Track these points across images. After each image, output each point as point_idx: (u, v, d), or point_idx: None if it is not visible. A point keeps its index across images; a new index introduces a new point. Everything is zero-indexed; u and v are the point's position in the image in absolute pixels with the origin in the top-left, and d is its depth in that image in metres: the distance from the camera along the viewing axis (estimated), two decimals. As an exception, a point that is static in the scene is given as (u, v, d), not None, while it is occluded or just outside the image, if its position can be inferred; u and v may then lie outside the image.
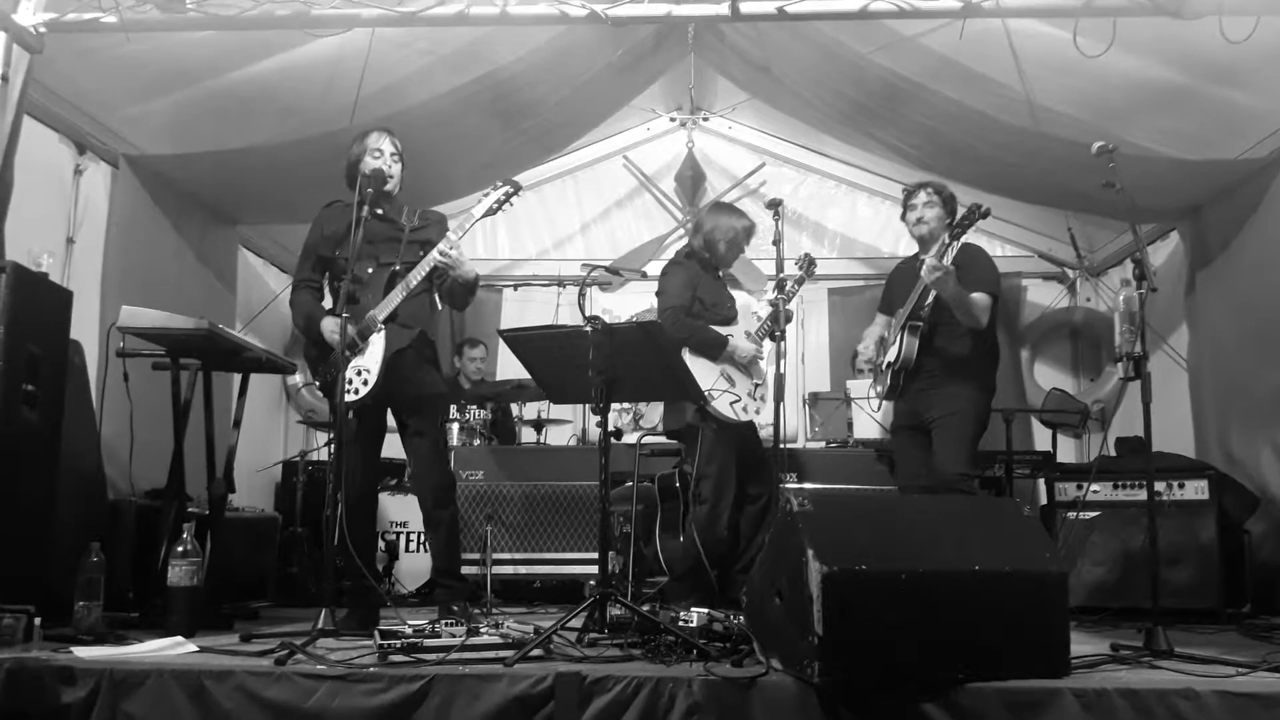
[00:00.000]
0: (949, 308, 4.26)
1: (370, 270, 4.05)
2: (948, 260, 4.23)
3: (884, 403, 4.64)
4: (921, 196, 4.51)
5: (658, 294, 4.82)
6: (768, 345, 4.82)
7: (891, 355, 4.44)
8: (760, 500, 4.72)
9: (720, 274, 4.90)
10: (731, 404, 4.58)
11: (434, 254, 3.96)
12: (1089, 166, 3.74)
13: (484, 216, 4.10)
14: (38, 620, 3.21)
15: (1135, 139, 5.00)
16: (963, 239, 4.34)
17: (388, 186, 4.11)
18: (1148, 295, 3.47)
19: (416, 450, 4.11)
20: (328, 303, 4.21)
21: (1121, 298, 3.52)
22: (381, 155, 4.10)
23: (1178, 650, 3.15)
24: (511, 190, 4.09)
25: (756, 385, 4.76)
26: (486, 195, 4.10)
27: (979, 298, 4.28)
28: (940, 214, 4.47)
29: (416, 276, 3.97)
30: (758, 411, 4.72)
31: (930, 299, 4.31)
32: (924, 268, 4.14)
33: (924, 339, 4.35)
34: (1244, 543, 4.71)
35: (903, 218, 4.63)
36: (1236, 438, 5.23)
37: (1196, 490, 4.69)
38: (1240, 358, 5.26)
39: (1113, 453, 5.22)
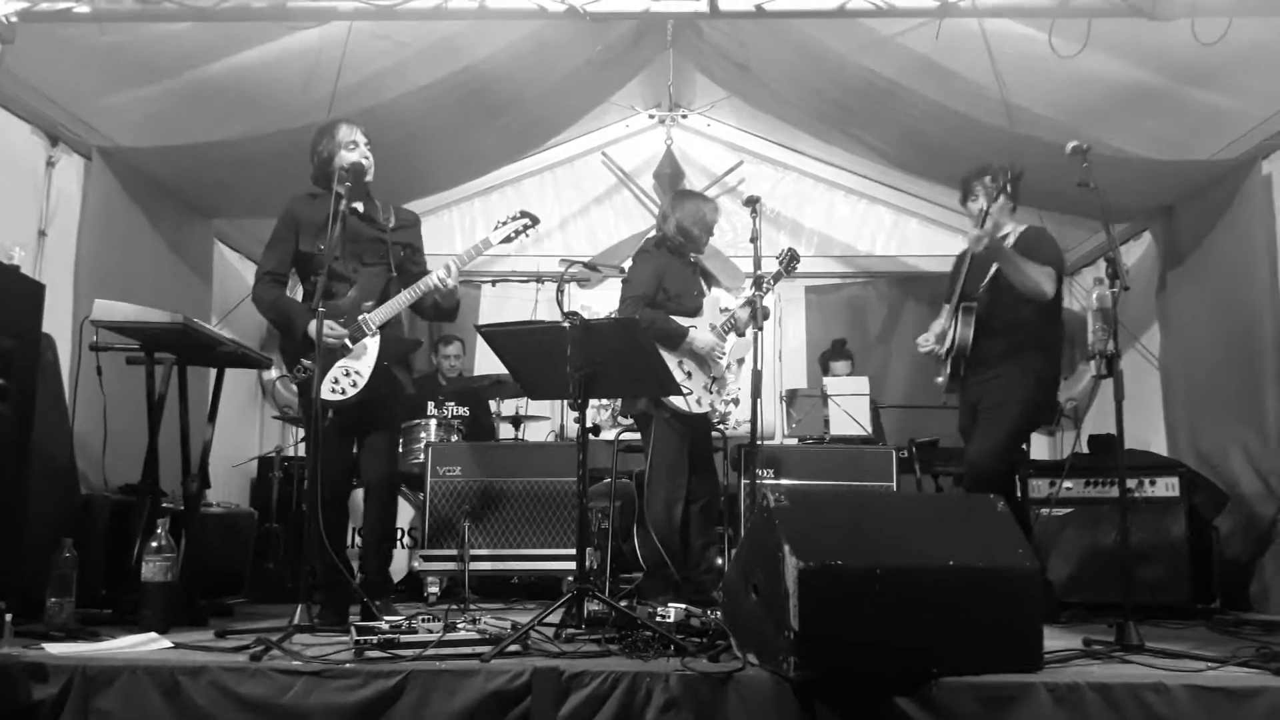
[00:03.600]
0: (1006, 290, 4.17)
1: (354, 269, 4.02)
2: (1010, 240, 4.16)
3: (947, 395, 4.49)
4: (980, 187, 4.37)
5: (623, 282, 4.83)
6: (732, 339, 4.83)
7: (948, 341, 4.34)
8: (701, 500, 4.73)
9: (693, 259, 4.89)
10: (685, 395, 4.58)
11: (433, 279, 3.95)
12: (1063, 166, 3.77)
13: (500, 244, 4.09)
14: (9, 616, 3.18)
15: (1109, 139, 5.06)
16: (1013, 210, 4.32)
17: (368, 178, 4.08)
18: (1120, 294, 3.50)
19: (371, 445, 4.10)
20: (297, 296, 4.18)
21: (1094, 296, 3.54)
22: (357, 147, 4.04)
23: (1148, 645, 3.18)
24: (529, 223, 4.09)
25: (714, 379, 4.75)
26: (504, 224, 4.09)
27: (1038, 265, 4.15)
28: (1003, 202, 4.33)
29: (416, 294, 3.97)
30: (712, 405, 4.72)
31: (987, 278, 4.22)
32: (969, 238, 4.05)
33: (980, 322, 4.23)
34: (1213, 539, 4.77)
35: (963, 204, 4.50)
36: (1207, 436, 5.30)
37: (1167, 487, 4.75)
38: (1211, 357, 5.32)
39: (1085, 450, 5.27)
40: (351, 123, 4.13)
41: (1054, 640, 3.16)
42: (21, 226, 4.64)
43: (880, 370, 7.52)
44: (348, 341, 3.91)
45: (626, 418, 4.96)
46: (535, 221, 4.11)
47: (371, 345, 3.95)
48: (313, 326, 3.90)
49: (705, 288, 4.90)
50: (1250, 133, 5.00)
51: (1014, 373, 4.19)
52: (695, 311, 4.76)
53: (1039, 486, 5.04)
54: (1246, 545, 4.90)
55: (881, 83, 5.22)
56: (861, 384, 6.05)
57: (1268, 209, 4.96)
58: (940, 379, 4.46)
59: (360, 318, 3.94)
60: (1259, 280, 4.94)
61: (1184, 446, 5.44)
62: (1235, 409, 5.06)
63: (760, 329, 4.39)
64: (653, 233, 6.97)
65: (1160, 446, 5.61)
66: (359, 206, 4.08)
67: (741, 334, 4.77)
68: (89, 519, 4.18)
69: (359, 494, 4.41)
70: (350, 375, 3.91)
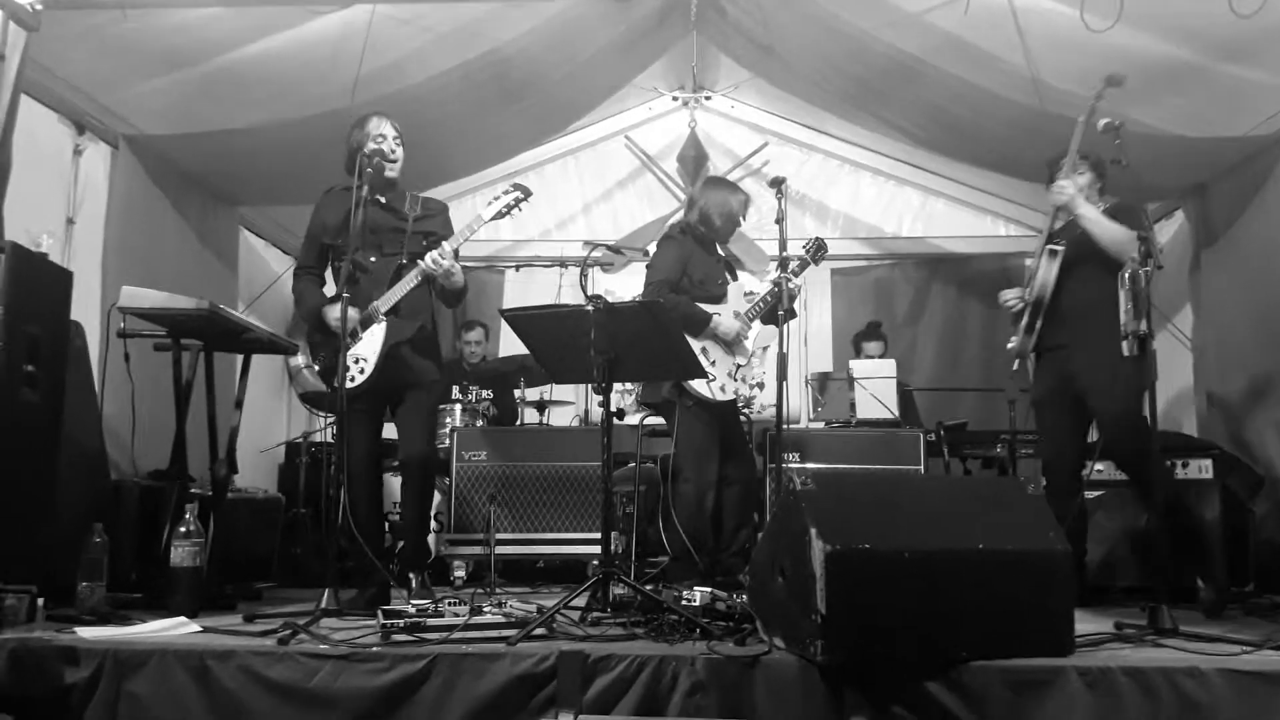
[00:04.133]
0: (1096, 247, 4.06)
1: (374, 260, 4.06)
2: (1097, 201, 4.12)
3: (1019, 360, 4.34)
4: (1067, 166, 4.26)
5: (647, 267, 4.79)
6: (757, 326, 4.78)
7: (1035, 286, 4.23)
8: (737, 485, 4.69)
9: (717, 249, 4.85)
10: (708, 382, 4.53)
11: (425, 262, 3.97)
12: (1095, 144, 3.71)
13: (491, 219, 4.09)
14: (40, 600, 3.22)
15: (1141, 116, 4.96)
16: (1102, 191, 4.28)
17: (389, 172, 4.11)
18: (1153, 273, 3.43)
19: (403, 423, 4.14)
20: (330, 289, 4.21)
21: (1127, 275, 3.47)
22: (385, 139, 4.10)
23: (1182, 629, 3.13)
24: (521, 195, 4.10)
25: (739, 366, 4.70)
26: (496, 199, 4.11)
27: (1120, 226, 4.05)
28: (1091, 179, 4.28)
29: (416, 278, 4.00)
30: (736, 392, 4.67)
31: (1079, 228, 4.14)
32: (1052, 189, 3.99)
33: (1066, 267, 4.13)
34: (1248, 522, 4.69)
35: (1048, 187, 4.33)
36: (1241, 417, 5.21)
37: (1200, 469, 4.66)
38: (1245, 337, 5.24)
39: (1117, 432, 5.20)
40: (383, 115, 4.17)
41: (1085, 624, 3.12)
42: (49, 214, 4.67)
43: (908, 353, 7.46)
44: (358, 328, 3.95)
45: (649, 406, 4.92)
46: (527, 194, 4.11)
47: (378, 331, 3.99)
48: (327, 314, 4.00)
49: (730, 275, 4.85)
50: (1286, 108, 4.89)
51: (1108, 340, 3.90)
52: (719, 299, 4.71)
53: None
54: (1282, 527, 4.82)
55: (908, 61, 5.14)
56: (888, 367, 5.99)
57: (1304, 186, 4.87)
58: (1012, 341, 4.32)
59: (371, 305, 3.99)
60: (1295, 258, 4.85)
61: (1218, 428, 5.36)
62: (1270, 390, 4.98)
63: (789, 311, 4.35)
64: (677, 217, 6.96)
65: (1192, 428, 5.54)
66: (381, 198, 4.10)
67: (776, 318, 4.61)
68: (118, 504, 4.22)
69: (388, 478, 4.43)
70: (359, 362, 3.97)
